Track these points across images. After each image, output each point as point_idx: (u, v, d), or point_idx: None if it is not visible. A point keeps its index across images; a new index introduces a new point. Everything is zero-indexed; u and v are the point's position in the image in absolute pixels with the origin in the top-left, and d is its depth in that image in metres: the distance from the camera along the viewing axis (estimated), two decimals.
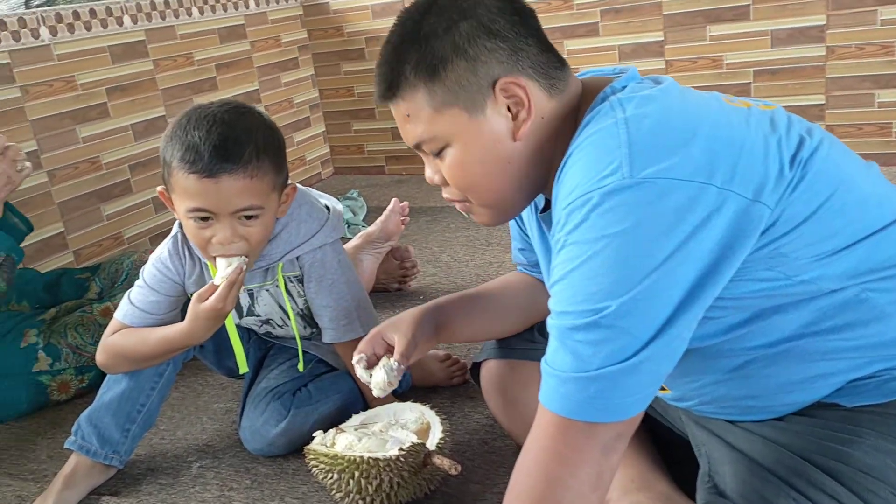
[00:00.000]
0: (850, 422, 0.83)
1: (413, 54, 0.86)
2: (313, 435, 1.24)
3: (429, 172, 0.93)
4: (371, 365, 1.13)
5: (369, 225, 2.02)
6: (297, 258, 1.35)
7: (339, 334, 1.38)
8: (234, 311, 1.39)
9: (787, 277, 0.80)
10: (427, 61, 0.85)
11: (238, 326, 1.43)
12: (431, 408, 1.27)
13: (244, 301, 1.41)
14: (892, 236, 0.82)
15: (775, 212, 0.77)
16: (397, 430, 1.22)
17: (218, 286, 1.19)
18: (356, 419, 1.29)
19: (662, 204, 0.72)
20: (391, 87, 0.88)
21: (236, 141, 1.14)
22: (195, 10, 2.77)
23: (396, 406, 1.31)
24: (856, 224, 0.81)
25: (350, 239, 2.02)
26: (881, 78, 2.47)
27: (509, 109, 0.86)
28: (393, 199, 2.02)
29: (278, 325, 1.47)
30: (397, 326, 1.13)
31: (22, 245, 1.74)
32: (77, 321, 1.73)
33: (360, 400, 1.42)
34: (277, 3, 3.17)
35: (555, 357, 0.77)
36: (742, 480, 0.85)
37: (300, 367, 1.43)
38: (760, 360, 0.86)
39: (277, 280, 1.35)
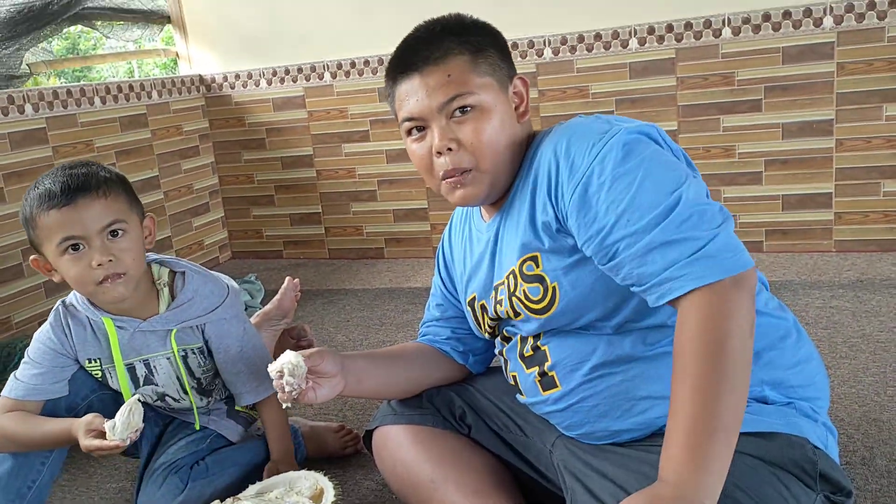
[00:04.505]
0: None
1: (455, 38, 1.12)
2: None
3: (437, 139, 1.10)
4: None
5: None
6: (203, 331, 1.43)
7: (256, 394, 1.47)
8: (130, 383, 1.44)
9: None
10: (470, 43, 1.12)
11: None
12: (325, 475, 1.36)
13: (140, 371, 1.45)
14: None
15: None
16: (292, 496, 1.29)
17: (107, 429, 1.23)
18: (252, 489, 1.35)
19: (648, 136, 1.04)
20: (433, 56, 1.10)
21: (83, 174, 1.30)
22: (97, 100, 2.85)
23: (292, 475, 1.38)
24: None
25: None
26: (888, 169, 2.63)
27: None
28: (286, 278, 2.12)
29: (174, 399, 1.52)
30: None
31: None
32: None
33: (258, 472, 1.49)
34: (180, 94, 3.29)
35: (666, 257, 0.93)
36: None
37: (196, 425, 1.49)
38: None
39: (171, 347, 1.42)
